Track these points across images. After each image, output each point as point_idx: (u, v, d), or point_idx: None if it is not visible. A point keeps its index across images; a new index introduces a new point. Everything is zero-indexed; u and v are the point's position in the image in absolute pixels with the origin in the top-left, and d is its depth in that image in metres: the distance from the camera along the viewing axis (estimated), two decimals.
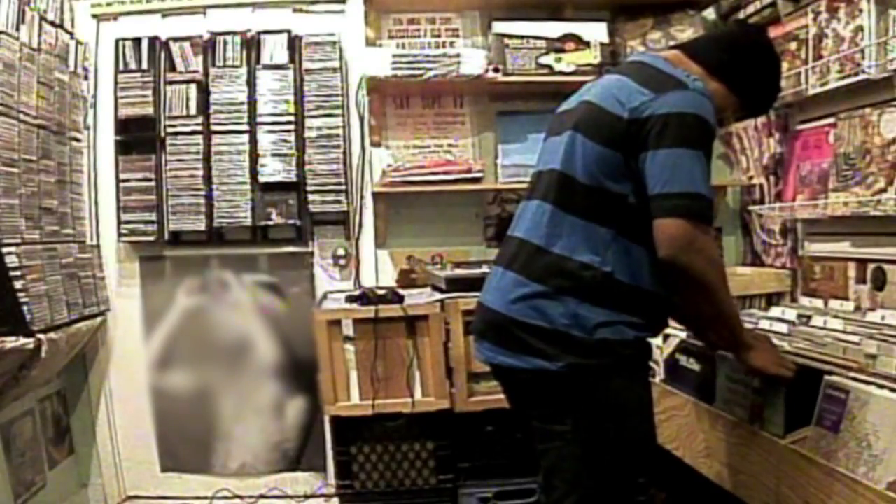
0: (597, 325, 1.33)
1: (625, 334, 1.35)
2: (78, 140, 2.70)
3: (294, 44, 2.74)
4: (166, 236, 2.74)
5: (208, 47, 2.73)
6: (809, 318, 2.01)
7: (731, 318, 1.44)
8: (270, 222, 2.73)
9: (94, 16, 2.78)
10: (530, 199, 1.48)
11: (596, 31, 2.72)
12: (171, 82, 2.72)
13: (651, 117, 1.29)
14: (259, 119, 2.70)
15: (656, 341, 2.04)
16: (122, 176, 2.72)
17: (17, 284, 2.13)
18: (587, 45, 2.70)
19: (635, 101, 1.31)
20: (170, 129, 2.71)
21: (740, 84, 1.47)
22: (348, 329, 2.33)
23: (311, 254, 2.85)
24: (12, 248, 2.14)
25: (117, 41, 2.72)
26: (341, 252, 2.84)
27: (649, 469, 1.52)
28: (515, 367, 1.39)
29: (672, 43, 2.73)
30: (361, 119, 2.81)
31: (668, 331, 1.92)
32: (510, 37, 2.69)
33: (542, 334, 1.34)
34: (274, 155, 2.71)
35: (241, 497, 2.83)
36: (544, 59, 2.69)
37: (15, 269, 2.13)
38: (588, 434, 1.37)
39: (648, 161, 1.29)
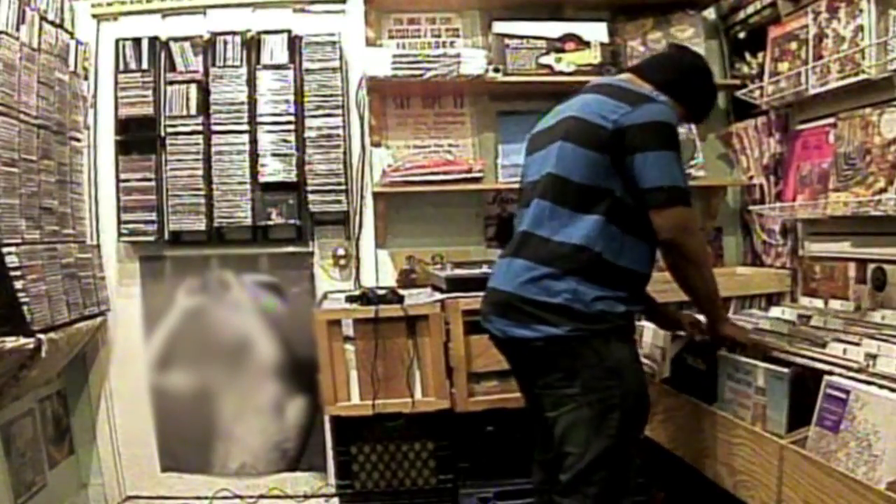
0: (594, 299, 1.55)
1: (616, 307, 1.58)
2: (78, 140, 2.70)
3: (294, 44, 2.74)
4: (166, 236, 2.74)
5: (208, 47, 2.73)
6: (809, 318, 2.01)
7: (715, 292, 1.69)
8: (270, 222, 2.73)
9: (94, 16, 2.78)
10: (528, 204, 1.69)
11: (596, 31, 2.72)
12: (171, 82, 2.72)
13: (631, 126, 1.53)
14: (259, 119, 2.70)
15: (662, 339, 2.07)
16: (122, 176, 2.72)
17: (17, 284, 2.13)
18: (587, 45, 2.71)
19: (615, 114, 1.56)
20: (170, 129, 2.71)
21: (685, 96, 1.74)
22: (348, 329, 2.33)
23: (311, 254, 2.86)
24: (12, 248, 2.14)
25: (117, 41, 2.72)
26: (341, 252, 2.84)
27: (645, 423, 1.72)
28: (528, 337, 1.59)
29: (672, 41, 2.74)
30: (361, 119, 2.81)
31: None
32: (510, 37, 2.69)
33: (546, 307, 1.56)
34: (274, 155, 2.71)
35: (241, 497, 2.83)
36: (544, 59, 2.69)
37: (15, 269, 2.13)
38: (594, 393, 1.56)
39: (638, 162, 1.53)
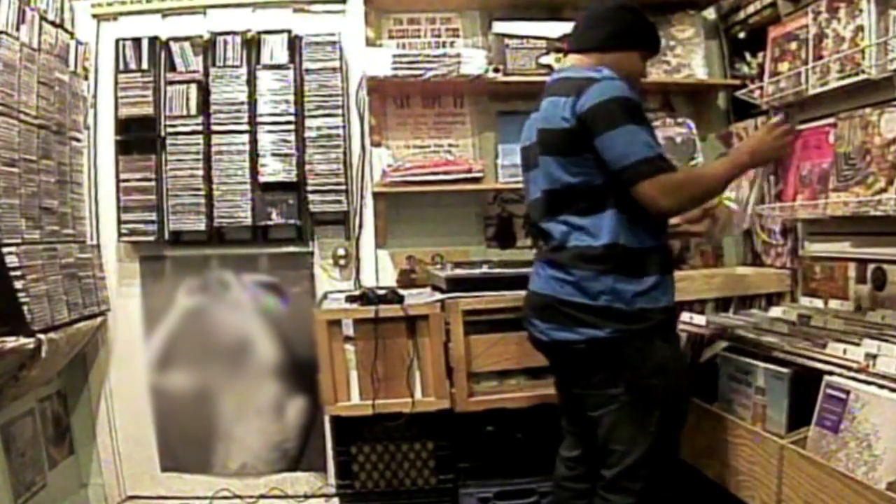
0: (634, 296, 1.57)
1: (657, 301, 1.60)
2: (78, 140, 2.70)
3: (294, 44, 2.74)
4: (166, 236, 2.74)
5: (208, 47, 2.73)
6: (809, 318, 2.01)
7: (725, 178, 1.70)
8: (270, 222, 2.73)
9: (94, 16, 2.78)
10: (542, 220, 1.73)
11: None
12: (171, 82, 2.72)
13: (580, 114, 1.56)
14: (259, 119, 2.70)
15: None
16: (122, 176, 2.71)
17: (17, 284, 2.13)
18: None
19: (568, 110, 1.59)
20: (170, 129, 2.71)
21: (629, 41, 1.74)
22: (348, 329, 2.32)
23: (311, 254, 2.85)
24: (12, 248, 2.14)
25: (117, 41, 2.72)
26: (341, 252, 2.84)
27: (685, 418, 1.73)
28: (571, 339, 1.62)
29: (671, 43, 2.74)
30: (361, 119, 2.81)
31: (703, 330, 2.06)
32: (510, 37, 2.69)
33: (588, 309, 1.59)
34: (274, 155, 2.71)
35: (241, 497, 2.83)
36: (544, 59, 2.69)
37: (15, 269, 2.13)
38: (638, 392, 1.59)
39: (599, 146, 1.55)
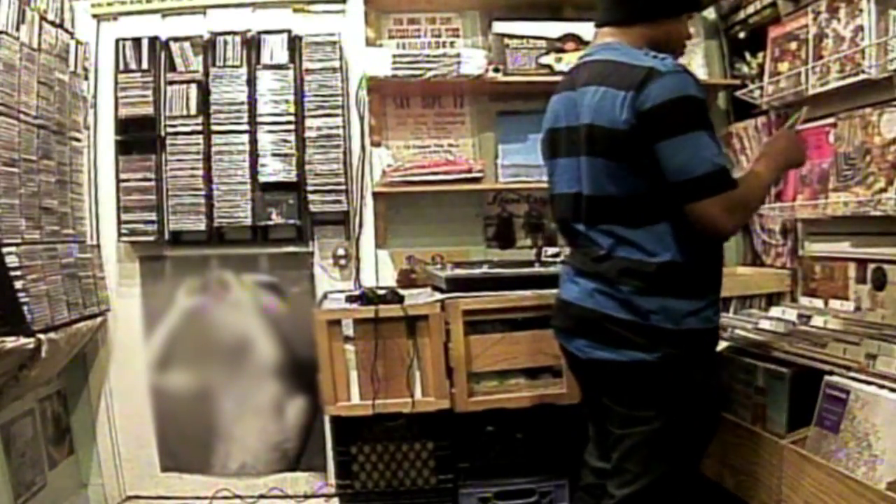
0: (684, 315, 1.44)
1: (710, 321, 1.49)
2: (78, 140, 2.70)
3: (294, 44, 2.74)
4: (166, 236, 2.74)
5: (208, 47, 2.73)
6: (809, 318, 2.01)
7: (766, 186, 1.57)
8: (270, 222, 2.73)
9: (94, 16, 2.77)
10: (578, 223, 1.55)
11: None
12: (171, 82, 2.72)
13: (642, 111, 1.38)
14: (259, 119, 2.70)
15: None
16: (122, 176, 2.71)
17: (17, 284, 2.13)
18: (587, 45, 2.70)
19: (627, 107, 1.39)
20: (170, 129, 2.71)
21: (673, 6, 1.55)
22: (348, 329, 2.32)
23: (311, 254, 2.85)
24: (12, 248, 2.14)
25: (117, 41, 2.72)
26: (341, 252, 2.84)
27: (707, 446, 1.64)
28: (612, 360, 1.49)
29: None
30: (361, 119, 2.81)
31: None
32: (510, 37, 2.69)
33: (635, 329, 1.45)
34: (274, 155, 2.70)
35: (241, 497, 2.83)
36: (544, 59, 2.69)
37: (15, 269, 2.13)
38: (670, 417, 1.47)
39: (659, 154, 1.39)
